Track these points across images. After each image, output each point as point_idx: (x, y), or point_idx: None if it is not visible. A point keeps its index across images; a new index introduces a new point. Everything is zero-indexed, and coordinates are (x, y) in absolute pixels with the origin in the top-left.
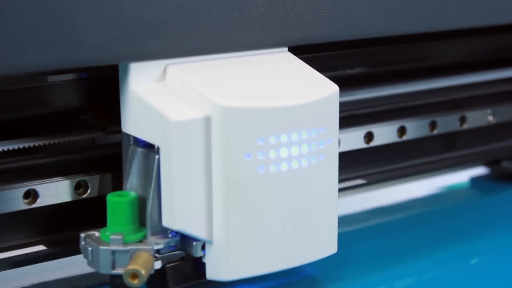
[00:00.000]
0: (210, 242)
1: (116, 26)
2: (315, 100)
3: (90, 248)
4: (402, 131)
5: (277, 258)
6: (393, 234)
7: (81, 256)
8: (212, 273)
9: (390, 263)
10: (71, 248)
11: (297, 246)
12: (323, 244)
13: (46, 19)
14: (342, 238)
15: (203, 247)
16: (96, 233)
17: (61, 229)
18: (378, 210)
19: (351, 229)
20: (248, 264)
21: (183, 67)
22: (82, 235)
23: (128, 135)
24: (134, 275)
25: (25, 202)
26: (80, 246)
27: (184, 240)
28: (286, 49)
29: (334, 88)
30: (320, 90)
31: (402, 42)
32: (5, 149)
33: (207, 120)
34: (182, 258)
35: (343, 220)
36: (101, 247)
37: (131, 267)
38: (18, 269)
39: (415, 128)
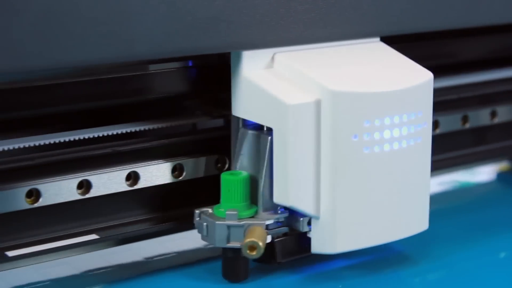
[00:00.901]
0: (317, 218)
1: (231, 17)
2: (414, 85)
3: (205, 223)
4: (435, 125)
5: (377, 233)
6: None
7: None
8: (318, 247)
9: (474, 241)
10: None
11: (394, 222)
12: (416, 220)
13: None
14: None
15: (308, 223)
16: (210, 210)
17: (163, 208)
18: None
19: None
20: (350, 238)
21: (289, 55)
22: (197, 211)
23: (238, 119)
24: (252, 247)
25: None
26: (195, 222)
27: (291, 216)
28: (378, 39)
29: (429, 74)
30: (417, 77)
31: (436, 38)
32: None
33: (318, 104)
34: (285, 234)
35: None
36: (217, 222)
37: (249, 239)
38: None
39: (448, 122)
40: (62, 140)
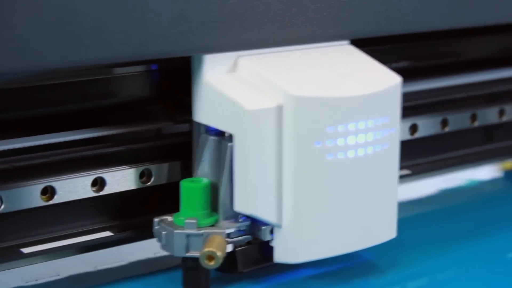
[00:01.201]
0: (279, 226)
1: (190, 20)
2: (380, 90)
3: (164, 232)
4: (444, 123)
5: (342, 242)
6: (439, 222)
7: None
8: (280, 256)
9: (444, 249)
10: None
11: (360, 230)
12: (384, 228)
13: (121, 12)
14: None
15: (271, 232)
16: (169, 218)
17: (127, 216)
18: (420, 200)
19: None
20: (314, 247)
21: (253, 59)
22: (156, 219)
23: (199, 124)
24: (210, 257)
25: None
26: (154, 230)
27: (253, 225)
28: (348, 41)
29: (397, 79)
30: (384, 81)
31: (444, 37)
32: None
33: (279, 109)
34: (248, 242)
35: None
36: (175, 231)
37: (207, 249)
38: (86, 254)
39: (457, 121)
40: (25, 146)
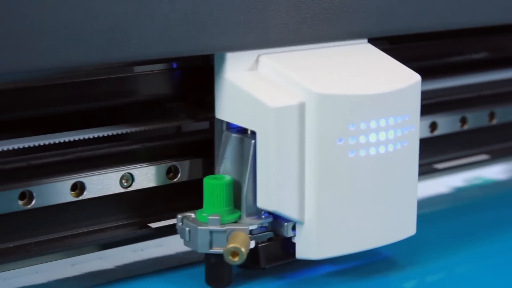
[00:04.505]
0: (302, 223)
1: (212, 18)
2: (401, 88)
3: (187, 229)
4: (463, 121)
5: (362, 239)
6: (457, 219)
7: None
8: (302, 252)
9: (463, 246)
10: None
11: (381, 227)
12: (403, 226)
13: (143, 9)
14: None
15: (293, 228)
16: (192, 215)
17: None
18: (439, 196)
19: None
20: (336, 244)
21: (274, 57)
22: (179, 216)
23: (221, 121)
24: (235, 253)
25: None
26: (177, 227)
27: (275, 221)
28: (366, 40)
29: (416, 77)
30: (404, 79)
31: (463, 35)
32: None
33: (302, 107)
34: (270, 239)
35: None
36: (199, 227)
37: (231, 245)
38: (107, 251)
39: (475, 119)
40: (54, 142)
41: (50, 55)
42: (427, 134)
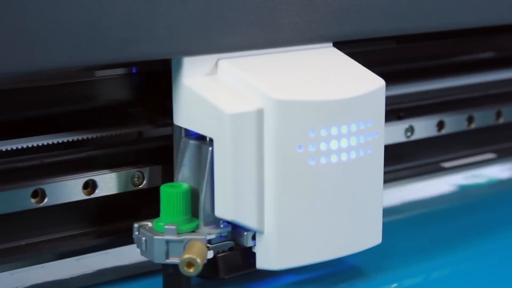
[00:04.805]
0: (261, 232)
1: (169, 22)
2: (363, 93)
3: (144, 238)
4: (470, 120)
5: (325, 248)
6: (431, 226)
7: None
8: (263, 262)
9: (430, 254)
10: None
11: (344, 236)
12: (368, 234)
13: (107, 13)
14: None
15: (253, 237)
16: (149, 224)
17: (114, 220)
18: (417, 202)
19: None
20: (297, 253)
21: (233, 62)
22: (136, 225)
23: (180, 128)
24: (190, 264)
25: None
26: (134, 236)
27: (235, 231)
28: (331, 44)
29: (380, 82)
30: (367, 84)
31: (470, 35)
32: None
33: (260, 113)
34: (230, 248)
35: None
36: (155, 237)
37: (187, 256)
38: (71, 259)
39: (482, 118)
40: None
41: (63, 55)
42: (434, 133)
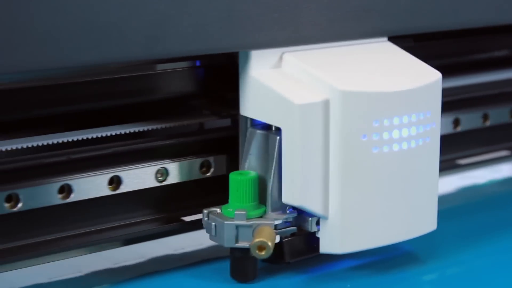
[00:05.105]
0: (326, 218)
1: (238, 16)
2: (422, 85)
3: (213, 223)
4: (485, 117)
5: (384, 234)
6: (478, 215)
7: None
8: (326, 247)
9: (483, 241)
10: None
11: (402, 222)
12: (424, 221)
13: (172, 9)
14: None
15: (317, 223)
16: (218, 210)
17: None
18: (461, 191)
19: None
20: (359, 238)
21: (298, 55)
22: (205, 211)
23: (246, 118)
24: (262, 247)
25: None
26: (203, 222)
27: (299, 217)
28: (386, 38)
29: (437, 74)
30: (426, 76)
31: (485, 33)
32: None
33: (326, 103)
34: (293, 234)
35: None
36: (226, 222)
37: (258, 239)
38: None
39: (497, 115)
40: (80, 138)
41: (92, 53)
42: (450, 130)
